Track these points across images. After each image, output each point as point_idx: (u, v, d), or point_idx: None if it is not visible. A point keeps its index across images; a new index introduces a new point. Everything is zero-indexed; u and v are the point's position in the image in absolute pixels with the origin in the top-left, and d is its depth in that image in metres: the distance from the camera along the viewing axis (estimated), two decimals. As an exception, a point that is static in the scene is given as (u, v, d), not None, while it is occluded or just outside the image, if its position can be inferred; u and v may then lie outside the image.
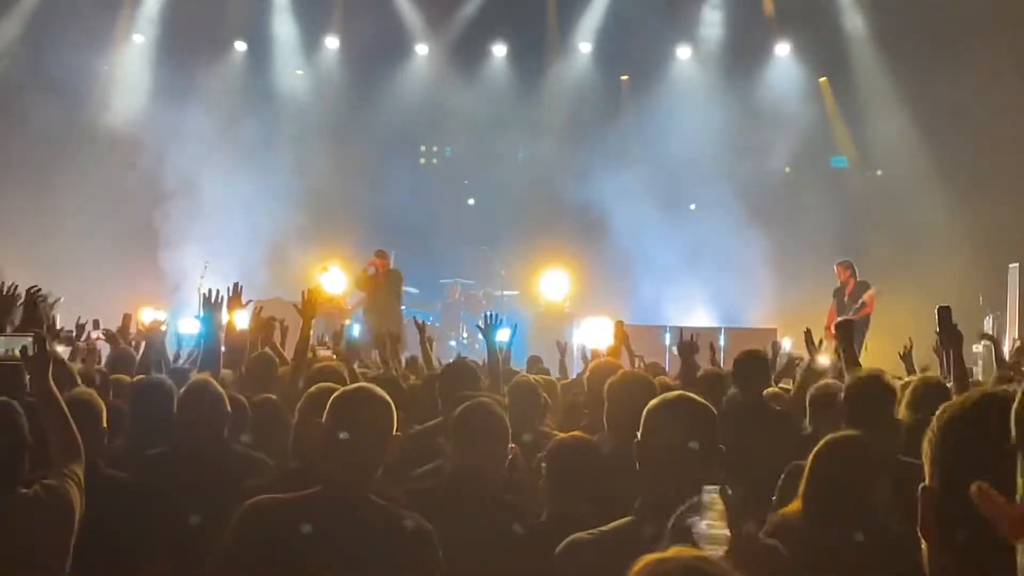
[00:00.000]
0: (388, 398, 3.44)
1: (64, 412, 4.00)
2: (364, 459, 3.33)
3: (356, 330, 16.48)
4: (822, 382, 6.01)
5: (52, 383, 4.03)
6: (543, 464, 4.35)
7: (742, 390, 6.39)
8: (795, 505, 3.75)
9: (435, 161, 21.65)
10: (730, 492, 2.59)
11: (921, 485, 1.69)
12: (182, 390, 5.16)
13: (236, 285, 6.87)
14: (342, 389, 3.52)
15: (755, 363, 6.51)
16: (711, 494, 2.57)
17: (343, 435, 3.29)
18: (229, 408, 5.11)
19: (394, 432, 3.40)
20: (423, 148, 21.58)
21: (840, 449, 3.74)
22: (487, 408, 4.37)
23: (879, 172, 19.72)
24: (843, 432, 3.75)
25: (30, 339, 4.12)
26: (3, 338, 4.21)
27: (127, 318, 9.80)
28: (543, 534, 3.46)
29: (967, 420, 1.67)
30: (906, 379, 6.24)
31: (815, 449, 3.76)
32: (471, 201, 20.77)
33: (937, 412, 1.71)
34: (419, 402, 6.32)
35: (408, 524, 3.37)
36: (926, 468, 1.70)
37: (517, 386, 5.94)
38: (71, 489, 3.86)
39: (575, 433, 4.69)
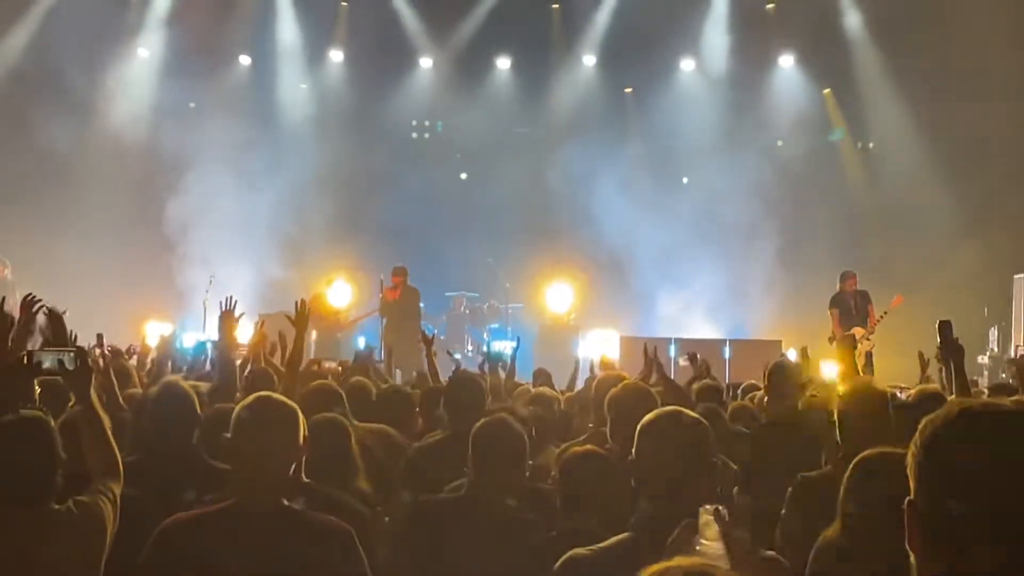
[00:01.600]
0: (292, 405, 3.49)
1: (105, 428, 3.98)
2: (272, 467, 3.37)
3: (362, 343, 16.51)
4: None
5: (95, 398, 4.01)
6: (552, 475, 4.35)
7: (774, 403, 6.29)
8: (836, 527, 3.65)
9: (427, 136, 21.44)
10: (723, 511, 2.59)
11: (907, 499, 1.71)
12: (152, 394, 5.12)
13: (230, 299, 6.83)
14: (244, 401, 3.54)
15: (787, 375, 6.45)
16: (706, 515, 2.57)
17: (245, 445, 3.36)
18: (199, 410, 5.07)
19: (301, 437, 3.43)
20: (414, 123, 21.35)
21: (880, 466, 3.61)
22: (505, 424, 4.37)
23: (883, 185, 19.64)
24: (880, 448, 3.67)
25: (71, 354, 4.05)
26: (49, 353, 4.16)
27: (163, 339, 9.63)
28: (554, 550, 3.43)
29: (947, 436, 1.68)
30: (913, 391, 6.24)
31: (852, 467, 3.64)
32: (463, 175, 20.71)
33: (920, 426, 1.72)
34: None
35: (325, 526, 3.40)
36: (911, 482, 1.71)
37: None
38: (104, 506, 3.85)
39: (588, 446, 4.65)
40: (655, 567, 1.89)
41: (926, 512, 1.67)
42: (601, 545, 3.10)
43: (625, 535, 3.09)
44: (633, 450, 3.16)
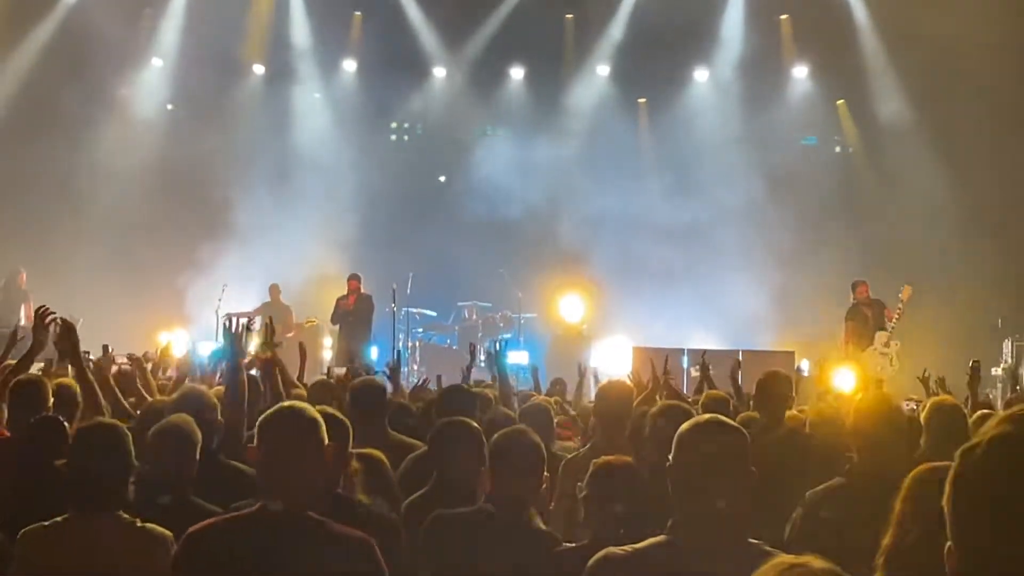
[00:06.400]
0: (315, 414, 3.47)
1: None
2: (298, 476, 3.36)
3: (374, 352, 16.56)
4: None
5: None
6: (579, 485, 4.30)
7: (763, 413, 6.29)
8: (896, 540, 3.57)
9: (406, 138, 21.21)
10: None
11: (947, 546, 1.65)
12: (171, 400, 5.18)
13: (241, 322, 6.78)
14: (270, 410, 3.52)
15: (778, 385, 6.42)
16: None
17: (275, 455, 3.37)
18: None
19: (326, 444, 3.42)
20: (394, 125, 21.19)
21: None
22: (524, 436, 4.31)
23: (898, 202, 19.56)
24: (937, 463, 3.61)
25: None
26: None
27: (183, 356, 9.54)
28: (583, 559, 3.38)
29: (973, 478, 1.62)
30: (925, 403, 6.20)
31: (913, 483, 3.57)
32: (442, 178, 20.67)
33: (952, 466, 1.66)
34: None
35: (347, 537, 3.39)
36: (948, 525, 1.65)
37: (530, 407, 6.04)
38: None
39: (620, 456, 4.54)
40: (785, 559, 1.82)
41: (960, 554, 1.61)
42: (636, 546, 3.07)
43: (661, 537, 3.05)
44: (670, 456, 3.13)
